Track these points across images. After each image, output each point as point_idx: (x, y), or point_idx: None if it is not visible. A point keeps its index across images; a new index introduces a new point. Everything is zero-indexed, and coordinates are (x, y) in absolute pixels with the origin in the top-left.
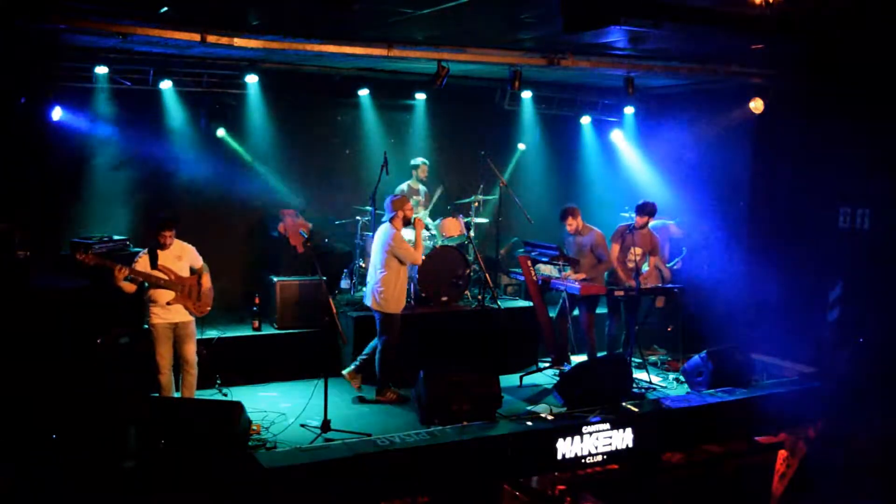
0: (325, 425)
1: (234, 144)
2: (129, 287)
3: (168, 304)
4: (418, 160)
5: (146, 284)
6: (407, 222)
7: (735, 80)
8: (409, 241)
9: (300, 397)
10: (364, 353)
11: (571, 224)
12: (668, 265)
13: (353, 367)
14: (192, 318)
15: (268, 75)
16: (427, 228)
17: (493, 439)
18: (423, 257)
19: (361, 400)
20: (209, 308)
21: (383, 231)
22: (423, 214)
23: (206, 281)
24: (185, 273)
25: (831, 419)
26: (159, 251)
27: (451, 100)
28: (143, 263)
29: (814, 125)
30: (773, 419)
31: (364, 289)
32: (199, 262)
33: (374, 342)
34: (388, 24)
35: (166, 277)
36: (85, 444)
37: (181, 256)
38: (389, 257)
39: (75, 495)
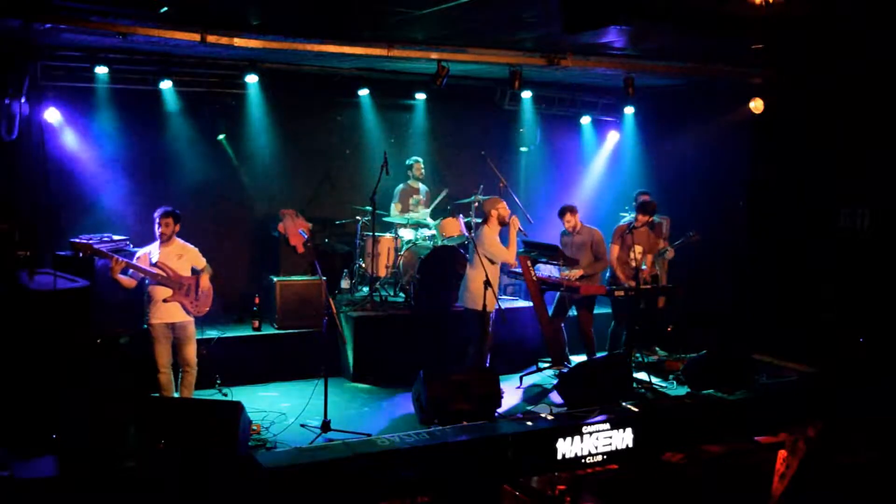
0: (325, 425)
1: (230, 152)
2: (128, 282)
3: (165, 300)
4: (412, 159)
5: (147, 282)
6: (502, 222)
7: (735, 80)
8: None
9: (300, 397)
10: None
11: (570, 221)
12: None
13: None
14: (190, 319)
15: (268, 75)
16: (427, 227)
17: (493, 439)
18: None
19: None
20: (207, 308)
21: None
22: (423, 214)
23: (205, 281)
24: (186, 272)
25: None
26: (161, 248)
27: (451, 100)
28: (142, 259)
29: (814, 125)
30: (773, 419)
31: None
32: (201, 262)
33: None
34: (388, 24)
35: (164, 274)
36: (85, 444)
37: (182, 255)
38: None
39: (75, 495)
